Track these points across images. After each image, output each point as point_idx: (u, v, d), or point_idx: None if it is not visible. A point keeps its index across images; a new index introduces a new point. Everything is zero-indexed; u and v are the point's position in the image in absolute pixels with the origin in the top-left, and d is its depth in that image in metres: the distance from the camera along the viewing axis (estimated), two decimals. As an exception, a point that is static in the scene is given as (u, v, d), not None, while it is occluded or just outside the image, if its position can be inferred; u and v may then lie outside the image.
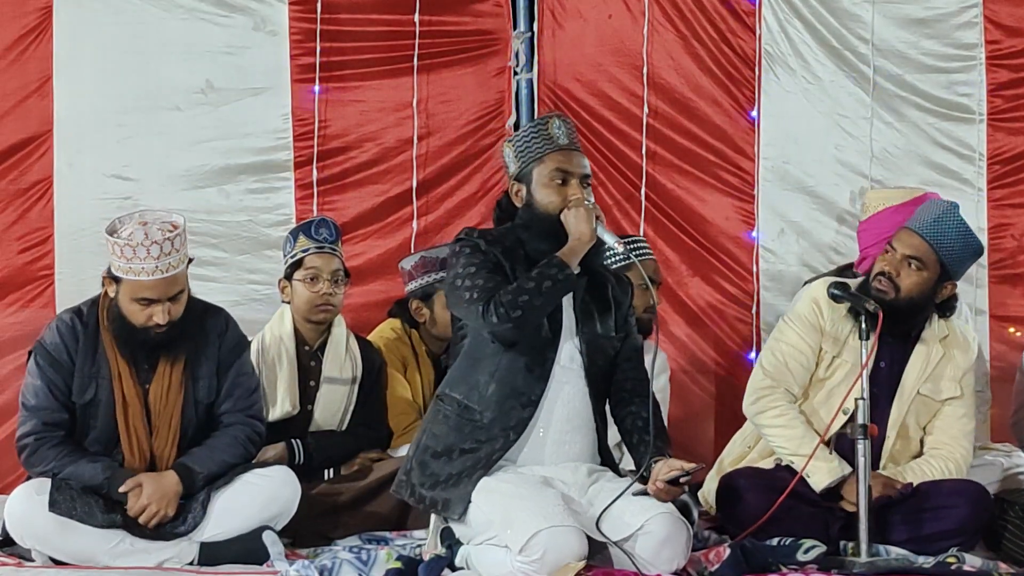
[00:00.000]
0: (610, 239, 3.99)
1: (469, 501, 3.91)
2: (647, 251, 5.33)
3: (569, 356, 4.06)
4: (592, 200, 4.07)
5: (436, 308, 5.27)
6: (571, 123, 4.17)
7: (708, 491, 4.71)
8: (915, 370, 4.44)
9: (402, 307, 5.40)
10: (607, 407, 4.17)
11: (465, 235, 4.08)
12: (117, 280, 4.31)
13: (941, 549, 4.23)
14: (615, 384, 4.16)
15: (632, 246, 5.20)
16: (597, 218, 4.00)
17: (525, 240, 4.08)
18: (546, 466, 4.00)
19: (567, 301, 4.06)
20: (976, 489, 4.36)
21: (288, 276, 5.08)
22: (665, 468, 3.88)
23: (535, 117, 5.93)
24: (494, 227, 4.20)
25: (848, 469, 4.28)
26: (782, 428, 4.43)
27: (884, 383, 4.41)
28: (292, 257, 5.08)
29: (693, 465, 3.86)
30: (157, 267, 4.24)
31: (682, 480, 3.84)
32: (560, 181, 4.05)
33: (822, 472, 4.29)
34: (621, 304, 4.18)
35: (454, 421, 4.04)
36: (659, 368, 5.27)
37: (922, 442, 4.53)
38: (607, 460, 4.14)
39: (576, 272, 3.97)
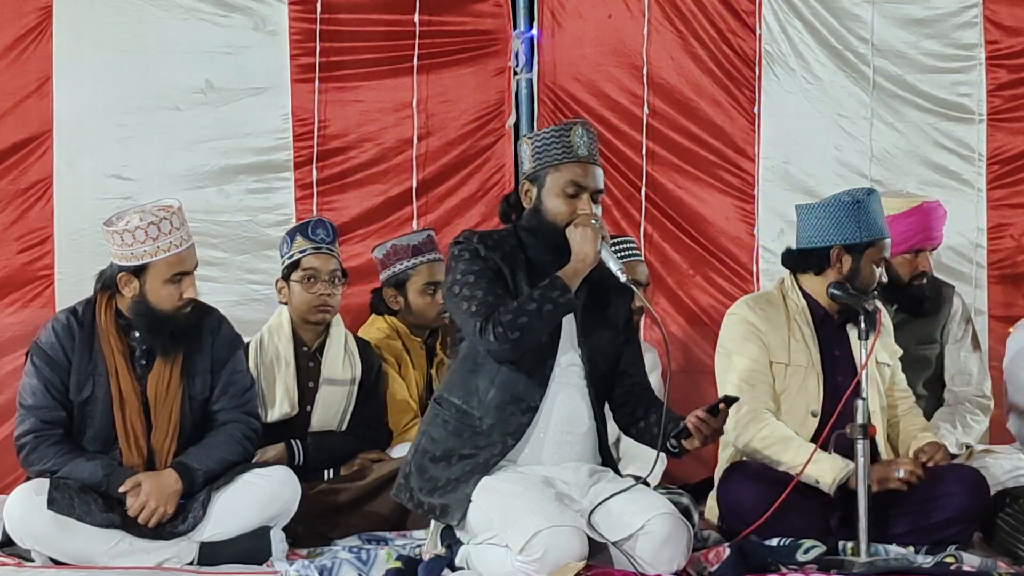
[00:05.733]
0: (614, 265, 3.93)
1: (467, 506, 3.89)
2: (635, 253, 5.32)
3: (569, 361, 4.02)
4: (599, 217, 4.00)
5: (410, 295, 5.26)
6: (595, 133, 4.08)
7: (711, 508, 4.63)
8: (859, 347, 4.32)
9: (379, 297, 5.39)
10: (607, 408, 4.14)
11: (464, 239, 4.01)
12: (140, 272, 4.32)
13: (942, 539, 4.25)
14: (625, 390, 4.13)
15: (621, 247, 5.21)
16: (603, 239, 3.94)
17: (528, 245, 4.03)
18: (546, 466, 3.99)
19: None
20: (974, 476, 4.39)
21: (285, 277, 5.08)
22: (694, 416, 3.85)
23: (535, 117, 5.95)
24: (500, 223, 4.15)
25: (851, 464, 4.22)
26: (777, 443, 4.35)
27: (848, 372, 4.40)
28: (289, 258, 5.08)
29: (729, 395, 3.85)
30: (182, 238, 4.34)
31: (721, 406, 3.81)
32: (572, 193, 3.98)
33: (827, 473, 4.26)
34: (622, 308, 4.13)
35: (453, 426, 4.01)
36: (650, 366, 5.25)
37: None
38: (608, 460, 4.12)
39: (575, 292, 3.90)
